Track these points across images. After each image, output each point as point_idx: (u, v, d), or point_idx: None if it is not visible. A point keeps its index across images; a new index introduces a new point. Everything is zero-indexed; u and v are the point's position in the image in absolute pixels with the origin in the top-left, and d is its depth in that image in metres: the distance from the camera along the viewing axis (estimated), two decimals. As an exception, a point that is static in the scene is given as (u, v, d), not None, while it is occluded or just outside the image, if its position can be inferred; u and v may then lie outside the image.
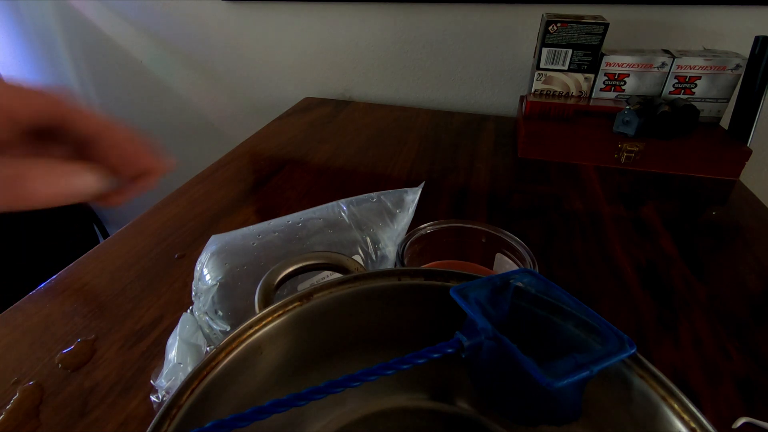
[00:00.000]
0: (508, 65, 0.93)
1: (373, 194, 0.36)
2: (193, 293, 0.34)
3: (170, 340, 0.35)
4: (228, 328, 0.32)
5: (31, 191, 0.18)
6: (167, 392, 0.32)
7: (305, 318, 0.24)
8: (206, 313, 0.33)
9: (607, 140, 0.69)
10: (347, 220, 0.35)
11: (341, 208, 0.36)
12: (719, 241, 0.54)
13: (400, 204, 0.37)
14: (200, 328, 0.34)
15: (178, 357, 0.33)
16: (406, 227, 0.37)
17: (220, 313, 0.33)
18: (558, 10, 0.77)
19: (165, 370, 0.33)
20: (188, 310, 0.36)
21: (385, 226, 0.36)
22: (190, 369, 0.29)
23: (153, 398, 0.33)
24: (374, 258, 0.35)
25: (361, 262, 0.34)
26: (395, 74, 1.02)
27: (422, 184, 0.38)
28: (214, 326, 0.33)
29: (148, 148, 0.23)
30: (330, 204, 0.36)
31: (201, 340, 0.34)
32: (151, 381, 0.34)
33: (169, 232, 0.54)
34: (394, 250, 0.36)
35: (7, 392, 0.35)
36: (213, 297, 0.33)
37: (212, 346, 0.33)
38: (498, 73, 0.95)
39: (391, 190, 0.37)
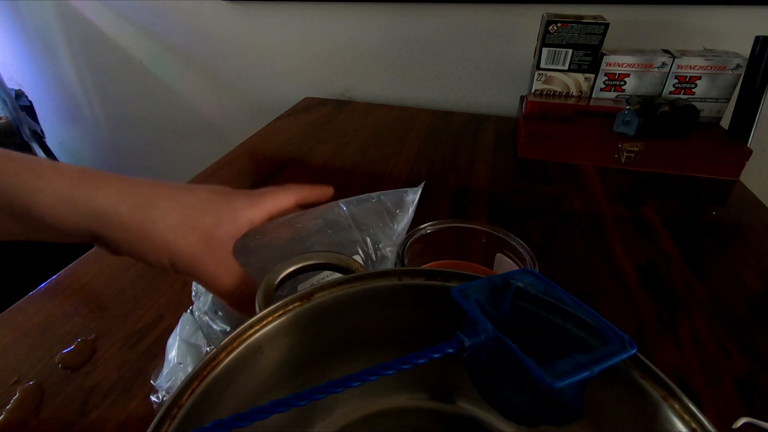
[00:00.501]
0: (508, 65, 0.93)
1: (373, 194, 0.36)
2: (193, 293, 0.34)
3: (170, 340, 0.35)
4: (228, 329, 0.32)
5: (250, 309, 0.26)
6: (167, 392, 0.32)
7: (305, 318, 0.24)
8: (206, 313, 0.33)
9: (607, 140, 0.69)
10: (347, 221, 0.35)
11: (341, 208, 0.35)
12: (719, 241, 0.54)
13: (400, 204, 0.37)
14: (200, 328, 0.34)
15: (178, 357, 0.33)
16: (406, 227, 0.37)
17: (220, 313, 0.33)
18: (558, 10, 0.77)
19: (165, 370, 0.33)
20: (188, 311, 0.36)
21: (385, 227, 0.36)
22: (190, 369, 0.29)
23: (153, 398, 0.33)
24: (374, 258, 0.35)
25: (361, 263, 0.34)
26: (395, 74, 1.02)
27: (422, 184, 0.38)
28: (214, 326, 0.33)
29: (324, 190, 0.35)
30: (330, 204, 0.36)
31: (201, 341, 0.34)
32: (151, 381, 0.34)
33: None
34: (394, 250, 0.36)
35: (7, 392, 0.35)
36: (213, 297, 0.33)
37: (212, 347, 0.33)
38: (498, 73, 0.95)
39: (390, 190, 0.37)
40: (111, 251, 0.26)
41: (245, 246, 0.34)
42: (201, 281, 0.28)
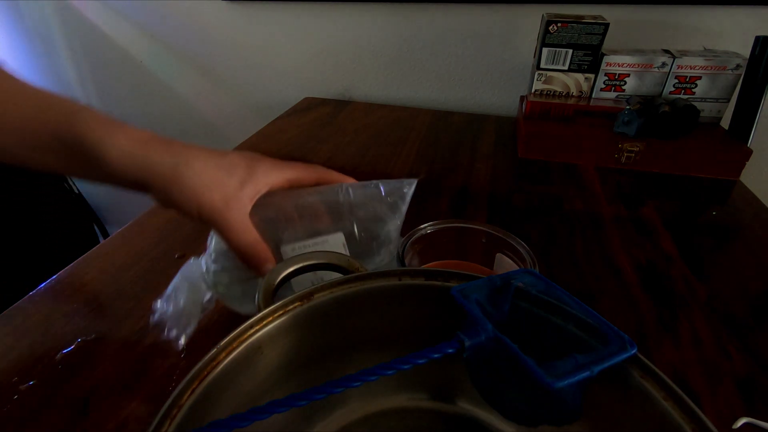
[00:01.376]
0: (508, 65, 0.93)
1: (373, 181, 0.38)
2: (208, 240, 0.37)
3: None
4: (220, 267, 0.36)
5: (254, 263, 0.32)
6: (160, 316, 0.36)
7: (305, 318, 0.24)
8: (209, 255, 0.36)
9: (607, 140, 0.69)
10: (341, 200, 0.37)
11: (341, 188, 0.37)
12: (719, 241, 0.54)
13: (394, 193, 0.38)
14: (203, 274, 0.36)
15: (174, 286, 0.36)
16: (401, 216, 0.38)
17: (213, 255, 0.36)
18: (558, 10, 0.77)
19: (163, 296, 0.37)
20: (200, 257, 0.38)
21: (378, 211, 0.37)
22: (181, 300, 0.36)
23: (151, 318, 0.38)
24: (357, 238, 0.37)
25: (344, 240, 0.36)
26: (395, 74, 1.02)
27: (417, 179, 0.39)
28: (212, 266, 0.36)
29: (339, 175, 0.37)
30: (336, 185, 0.38)
31: (203, 285, 0.36)
32: (153, 305, 0.37)
33: (169, 232, 0.54)
34: (383, 236, 0.37)
35: (7, 392, 0.35)
36: (215, 243, 0.36)
37: (211, 292, 0.37)
38: (498, 73, 0.95)
39: (388, 180, 0.38)
40: (159, 202, 0.32)
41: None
42: (218, 231, 0.32)
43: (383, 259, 0.38)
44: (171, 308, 0.36)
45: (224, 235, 0.32)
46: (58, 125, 0.31)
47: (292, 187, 0.36)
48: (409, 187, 0.38)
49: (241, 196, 0.32)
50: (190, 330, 0.37)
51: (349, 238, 0.37)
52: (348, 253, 0.35)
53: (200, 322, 0.40)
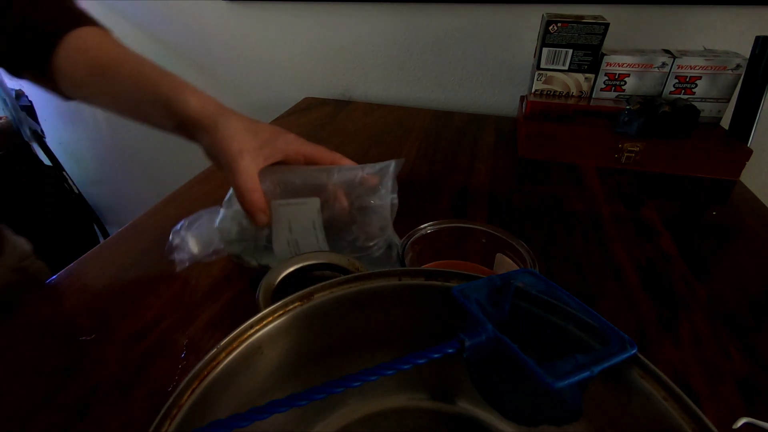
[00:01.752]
0: (508, 65, 0.93)
1: (362, 164, 0.41)
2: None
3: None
4: (227, 212, 0.42)
5: (255, 216, 0.38)
6: (172, 235, 0.42)
7: (305, 318, 0.24)
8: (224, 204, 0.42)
9: (607, 140, 0.69)
10: (329, 174, 0.41)
11: (337, 168, 0.41)
12: (719, 241, 0.54)
13: (376, 173, 0.41)
14: (219, 220, 0.42)
15: (194, 218, 0.43)
16: (379, 198, 0.40)
17: (226, 204, 0.42)
18: (558, 10, 0.77)
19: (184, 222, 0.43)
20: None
21: (356, 188, 0.40)
22: (195, 232, 0.42)
23: (168, 241, 0.43)
24: (333, 208, 0.40)
25: (319, 206, 0.40)
26: (395, 74, 1.02)
27: (395, 161, 0.42)
28: (222, 213, 0.42)
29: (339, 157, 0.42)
30: (334, 166, 0.41)
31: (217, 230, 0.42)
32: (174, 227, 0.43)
33: (169, 232, 0.54)
34: (358, 212, 0.40)
35: (8, 392, 0.35)
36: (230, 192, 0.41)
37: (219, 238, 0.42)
38: (498, 73, 0.95)
39: (376, 163, 0.41)
40: (204, 151, 0.40)
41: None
42: (227, 173, 0.37)
43: (357, 238, 0.40)
44: (182, 233, 0.42)
45: (230, 177, 0.37)
46: (150, 85, 0.39)
47: (308, 164, 0.40)
48: (389, 168, 0.41)
49: (257, 153, 0.37)
50: (192, 261, 0.42)
51: (329, 208, 0.41)
52: (321, 219, 0.40)
53: (200, 321, 0.41)
